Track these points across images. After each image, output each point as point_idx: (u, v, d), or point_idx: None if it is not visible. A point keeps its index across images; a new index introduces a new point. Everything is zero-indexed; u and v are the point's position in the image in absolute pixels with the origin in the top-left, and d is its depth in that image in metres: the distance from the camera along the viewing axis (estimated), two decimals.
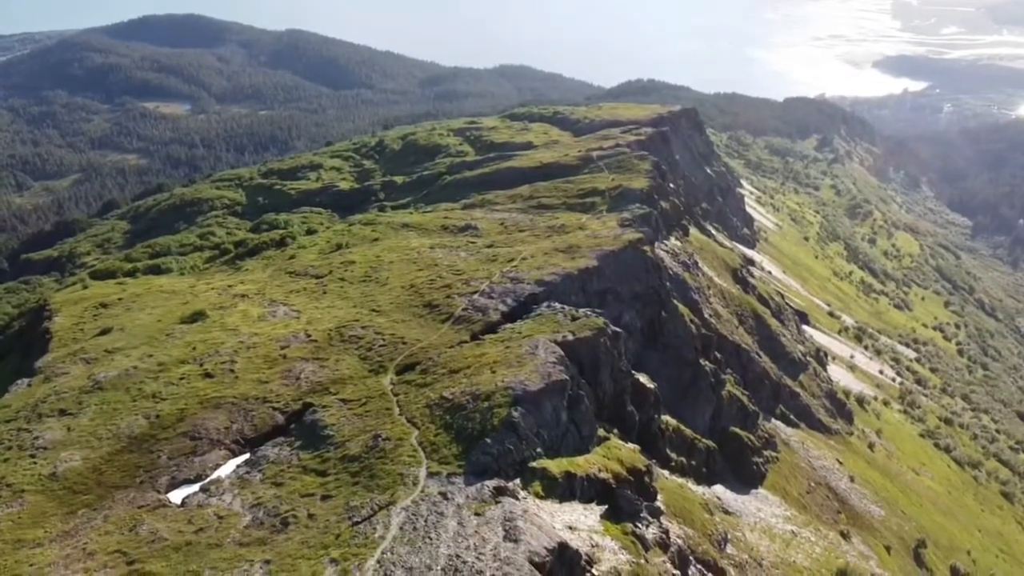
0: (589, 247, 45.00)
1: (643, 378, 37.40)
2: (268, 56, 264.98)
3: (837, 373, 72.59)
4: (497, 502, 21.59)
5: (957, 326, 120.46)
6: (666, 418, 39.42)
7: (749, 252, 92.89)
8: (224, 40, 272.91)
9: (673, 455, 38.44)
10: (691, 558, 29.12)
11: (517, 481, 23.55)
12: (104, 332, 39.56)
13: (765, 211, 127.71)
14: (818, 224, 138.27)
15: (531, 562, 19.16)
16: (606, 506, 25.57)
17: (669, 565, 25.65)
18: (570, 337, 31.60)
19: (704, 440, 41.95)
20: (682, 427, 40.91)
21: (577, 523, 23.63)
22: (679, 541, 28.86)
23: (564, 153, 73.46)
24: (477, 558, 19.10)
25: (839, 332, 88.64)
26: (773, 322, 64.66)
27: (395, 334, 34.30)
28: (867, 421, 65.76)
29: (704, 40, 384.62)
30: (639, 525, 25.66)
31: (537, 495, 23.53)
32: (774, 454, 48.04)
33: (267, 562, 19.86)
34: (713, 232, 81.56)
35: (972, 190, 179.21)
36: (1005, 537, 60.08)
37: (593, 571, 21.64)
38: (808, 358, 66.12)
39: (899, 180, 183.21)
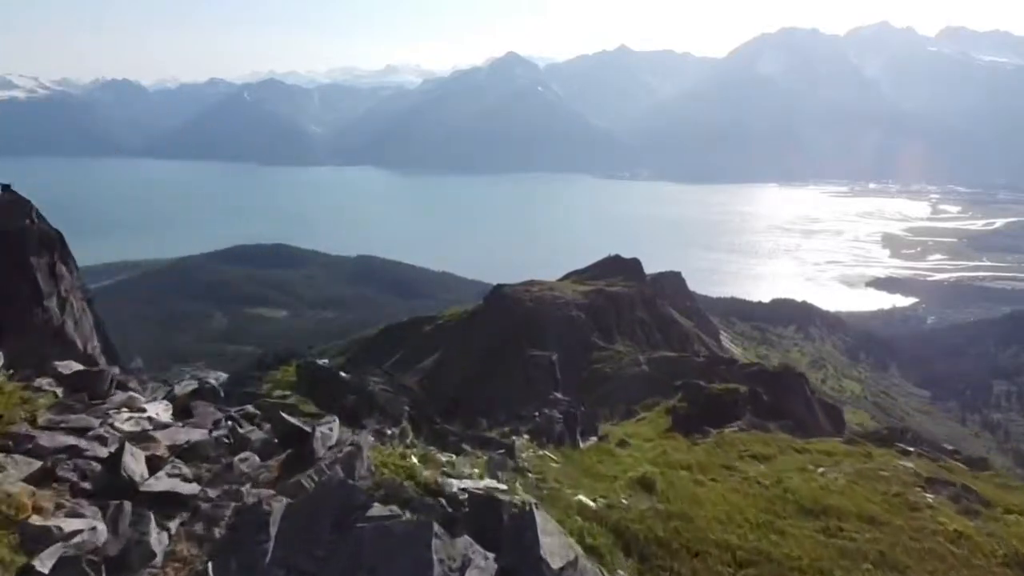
0: None
1: None
2: (346, 275, 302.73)
3: None
4: None
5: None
6: None
7: None
8: (308, 264, 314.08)
9: None
10: None
11: None
12: None
13: (734, 345, 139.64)
14: (776, 359, 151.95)
15: None
16: None
17: None
18: None
19: None
20: None
21: None
22: None
23: None
24: None
25: None
26: None
27: None
28: None
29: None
30: None
31: None
32: None
33: None
34: None
35: (936, 373, 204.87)
36: None
37: None
38: None
39: (869, 362, 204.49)
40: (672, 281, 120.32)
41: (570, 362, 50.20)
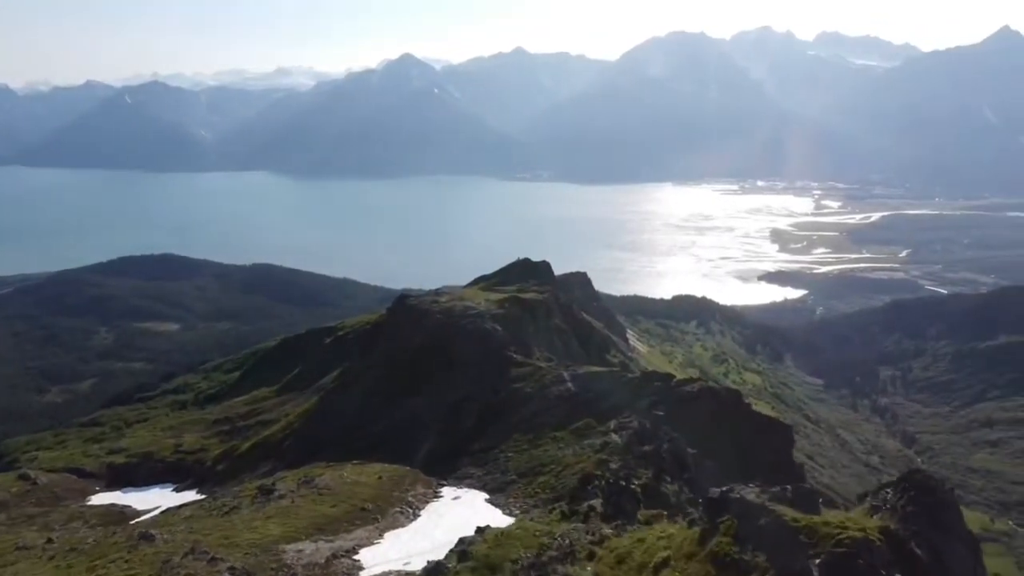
0: None
1: None
2: (240, 285, 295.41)
3: None
4: None
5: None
6: None
7: None
8: (199, 274, 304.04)
9: None
10: None
11: None
12: None
13: (640, 344, 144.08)
14: (681, 356, 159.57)
15: None
16: None
17: None
18: None
19: None
20: None
21: None
22: None
23: None
24: None
25: None
26: None
27: None
28: None
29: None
30: None
31: None
32: None
33: None
34: None
35: (827, 361, 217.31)
36: None
37: None
38: None
39: (765, 354, 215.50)
40: (579, 281, 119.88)
41: (488, 382, 46.91)
